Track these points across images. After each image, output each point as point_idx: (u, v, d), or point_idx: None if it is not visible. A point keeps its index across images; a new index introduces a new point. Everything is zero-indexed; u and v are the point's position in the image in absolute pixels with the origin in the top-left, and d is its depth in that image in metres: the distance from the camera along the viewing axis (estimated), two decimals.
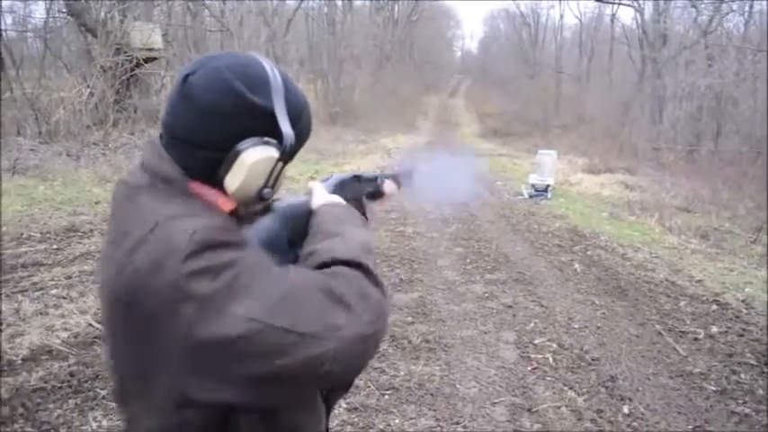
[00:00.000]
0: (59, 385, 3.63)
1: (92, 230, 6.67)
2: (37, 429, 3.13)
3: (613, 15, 37.96)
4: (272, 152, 0.98)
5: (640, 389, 3.88)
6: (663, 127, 24.74)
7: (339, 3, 30.98)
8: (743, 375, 4.16)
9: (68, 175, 9.04)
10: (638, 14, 30.13)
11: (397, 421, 3.31)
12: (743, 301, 5.77)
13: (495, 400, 3.61)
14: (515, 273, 6.23)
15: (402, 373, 3.87)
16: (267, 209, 1.09)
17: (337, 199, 1.19)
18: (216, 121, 0.95)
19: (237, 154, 0.96)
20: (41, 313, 4.58)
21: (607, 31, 39.22)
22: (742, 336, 4.89)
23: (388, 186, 1.43)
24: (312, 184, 1.23)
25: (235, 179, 0.96)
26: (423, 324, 4.69)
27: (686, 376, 4.10)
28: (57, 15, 16.02)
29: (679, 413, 3.61)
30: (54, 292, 5.00)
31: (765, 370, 4.27)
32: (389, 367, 3.93)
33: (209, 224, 0.90)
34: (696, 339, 4.77)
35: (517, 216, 9.55)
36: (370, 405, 3.45)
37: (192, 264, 0.85)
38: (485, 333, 4.62)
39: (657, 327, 4.98)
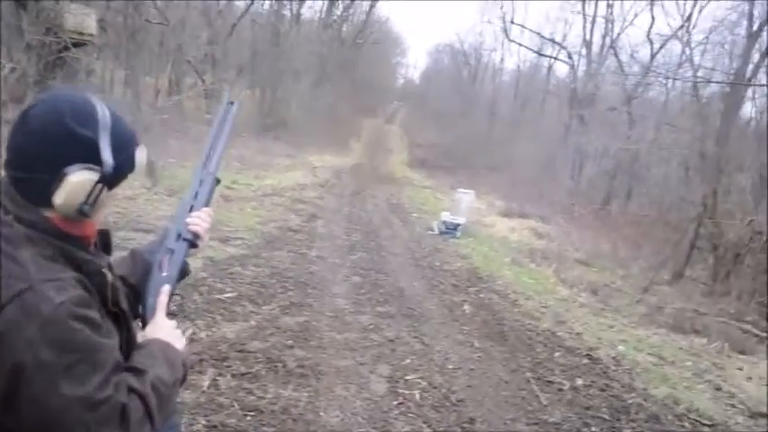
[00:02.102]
0: None
1: None
2: None
3: (550, 68, 39.60)
4: (93, 175, 1.14)
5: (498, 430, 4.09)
6: (580, 180, 25.96)
7: (287, 14, 31.02)
8: (593, 428, 4.45)
9: None
10: (571, 70, 31.65)
11: None
12: (613, 357, 6.14)
13: (356, 427, 3.75)
14: (405, 308, 6.43)
15: (270, 395, 3.95)
16: (106, 240, 1.31)
17: (171, 334, 1.39)
18: (48, 147, 1.12)
19: (64, 175, 1.11)
20: None
21: (543, 81, 40.81)
22: (603, 390, 5.21)
23: (197, 226, 1.52)
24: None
25: (59, 197, 1.12)
26: (301, 349, 4.80)
27: (542, 425, 4.35)
28: None
29: None
30: None
31: (615, 425, 4.57)
32: (258, 389, 4.00)
33: (74, 296, 1.07)
34: (560, 390, 5.05)
35: (423, 251, 9.82)
36: (230, 425, 3.52)
37: (48, 333, 1.02)
38: (360, 364, 4.76)
39: (528, 374, 5.25)
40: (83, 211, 1.14)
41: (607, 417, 4.68)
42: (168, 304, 1.41)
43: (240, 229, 8.61)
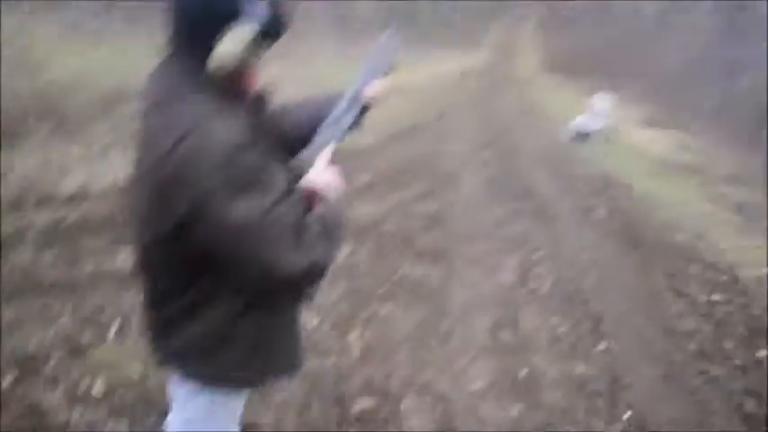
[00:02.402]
0: (95, 223, 4.02)
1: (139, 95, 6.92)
2: (71, 255, 3.53)
3: None
4: (249, 32, 1.19)
5: (623, 332, 4.06)
6: (734, 89, 23.78)
7: None
8: (727, 343, 4.29)
9: (125, 41, 9.24)
10: None
11: (388, 308, 3.61)
12: (756, 278, 5.80)
13: (483, 311, 3.86)
14: (537, 205, 6.36)
15: (403, 271, 4.13)
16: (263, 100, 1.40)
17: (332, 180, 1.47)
18: (206, 7, 1.19)
19: (223, 33, 1.19)
20: (87, 161, 4.95)
21: None
22: (742, 309, 4.96)
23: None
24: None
25: (218, 57, 1.20)
26: (434, 233, 4.93)
27: (671, 332, 4.25)
28: None
29: (653, 361, 3.79)
30: (100, 144, 5.34)
31: (752, 343, 4.37)
32: (393, 265, 4.20)
33: (237, 129, 1.18)
34: (695, 302, 4.87)
35: (556, 154, 9.56)
36: (366, 292, 3.77)
37: (220, 160, 1.14)
38: (491, 253, 4.83)
39: (661, 283, 5.10)
40: (239, 67, 1.22)
41: (743, 334, 4.48)
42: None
43: (376, 120, 8.69)
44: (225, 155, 1.14)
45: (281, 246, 1.18)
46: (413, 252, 4.47)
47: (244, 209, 1.14)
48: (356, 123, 1.57)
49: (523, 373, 3.30)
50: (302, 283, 1.29)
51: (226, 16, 1.18)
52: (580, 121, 11.62)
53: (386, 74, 1.62)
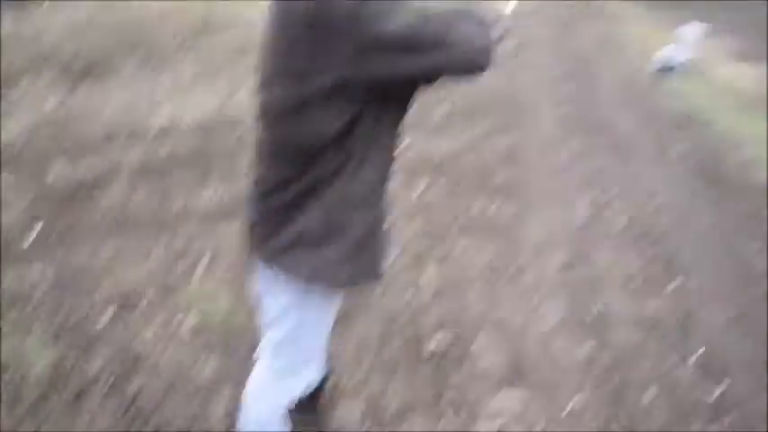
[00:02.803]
0: (185, 158, 4.23)
1: (227, 26, 7.09)
2: (161, 191, 3.75)
3: None
4: None
5: (696, 270, 4.07)
6: None
7: None
8: None
9: None
10: None
11: (463, 244, 3.74)
12: None
13: (556, 248, 3.95)
14: (615, 139, 6.27)
15: (478, 207, 4.24)
16: None
17: None
18: None
19: None
20: (175, 94, 5.15)
21: None
22: None
23: None
24: None
25: None
26: (509, 168, 4.98)
27: (746, 272, 4.22)
28: None
29: (727, 300, 3.81)
30: (187, 77, 5.53)
31: None
32: (468, 201, 4.31)
33: None
34: None
35: (636, 87, 9.27)
36: (442, 228, 3.89)
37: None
38: (565, 189, 4.87)
39: (739, 222, 5.02)
40: None
41: None
42: None
43: None
44: None
45: (451, 30, 1.28)
46: (487, 188, 4.54)
47: (414, 15, 1.25)
48: None
49: (595, 310, 3.40)
50: (487, 62, 1.36)
51: None
52: (666, 53, 11.08)
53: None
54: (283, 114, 1.38)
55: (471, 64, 1.33)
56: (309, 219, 1.43)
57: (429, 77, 1.36)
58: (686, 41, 11.48)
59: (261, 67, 1.45)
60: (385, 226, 1.62)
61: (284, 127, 1.40)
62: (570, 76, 8.90)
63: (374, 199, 1.51)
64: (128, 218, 3.57)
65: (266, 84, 1.43)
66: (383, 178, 1.53)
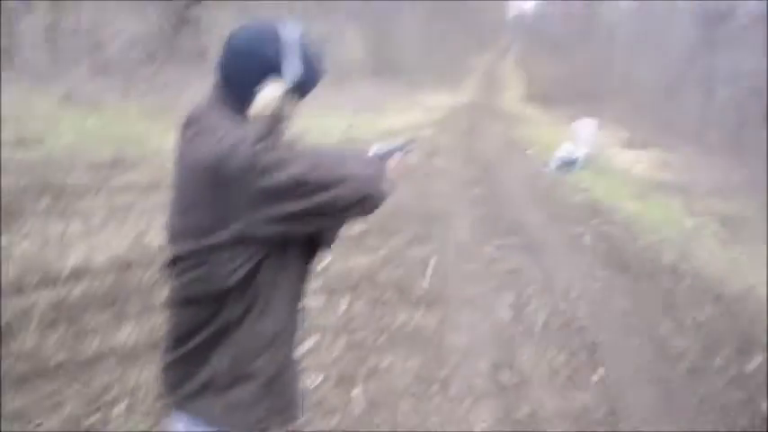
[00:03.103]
0: (98, 299, 4.11)
1: (137, 163, 7.14)
2: (75, 334, 3.61)
3: None
4: (281, 89, 1.43)
5: (618, 357, 4.20)
6: (712, 106, 24.26)
7: None
8: (718, 358, 4.44)
9: (119, 108, 9.52)
10: None
11: (388, 360, 3.73)
12: (744, 289, 5.98)
13: (481, 353, 4.00)
14: (526, 239, 6.55)
15: (400, 319, 4.28)
16: None
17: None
18: (244, 68, 1.43)
19: (258, 90, 1.42)
20: (86, 235, 5.07)
21: (669, 1, 37.89)
22: (731, 322, 5.13)
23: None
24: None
25: (256, 108, 1.43)
26: (428, 278, 5.08)
27: (665, 352, 4.40)
28: None
29: (648, 383, 3.93)
30: (99, 216, 5.47)
31: (743, 356, 4.51)
32: (390, 313, 4.34)
33: (259, 128, 1.39)
34: (685, 320, 5.03)
35: (541, 185, 9.79)
36: (367, 344, 3.88)
37: (257, 147, 1.32)
38: (485, 293, 4.99)
39: (651, 304, 5.27)
40: (273, 118, 1.44)
41: (734, 348, 4.63)
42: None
43: None
44: (256, 145, 1.32)
45: (342, 168, 1.40)
46: (409, 300, 4.61)
47: (302, 162, 1.34)
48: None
49: (524, 411, 3.42)
50: (375, 192, 1.44)
51: (265, 71, 1.41)
52: (564, 150, 11.87)
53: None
54: (190, 264, 1.43)
55: (362, 203, 1.43)
56: (219, 362, 1.45)
57: (323, 222, 1.45)
58: (581, 137, 12.39)
59: (168, 222, 1.52)
60: (297, 363, 1.64)
61: (191, 275, 1.44)
62: (479, 181, 9.35)
63: (284, 337, 1.54)
64: (41, 363, 3.39)
65: (174, 236, 1.49)
66: (292, 316, 1.57)
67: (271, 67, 1.41)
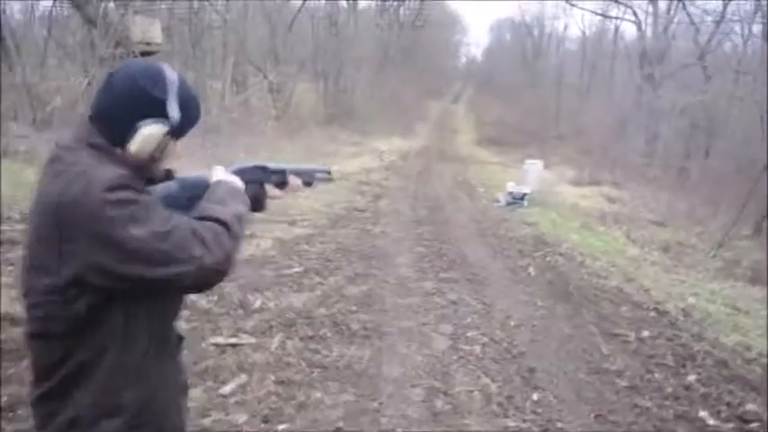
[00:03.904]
0: (17, 348, 3.93)
1: None
2: None
3: (616, 30, 38.24)
4: (163, 128, 1.41)
5: (555, 381, 4.19)
6: (656, 142, 25.09)
7: (343, 4, 31.32)
8: (657, 374, 4.47)
9: None
10: (639, 30, 30.47)
11: (318, 395, 3.65)
12: (683, 309, 6.08)
13: (415, 383, 3.95)
14: (469, 273, 6.57)
15: (334, 354, 4.21)
16: (170, 177, 1.57)
17: (233, 178, 1.62)
18: (126, 105, 1.40)
19: (139, 128, 1.39)
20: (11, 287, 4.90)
21: (609, 45, 39.50)
22: (670, 340, 5.20)
23: (293, 180, 1.82)
24: (215, 167, 1.67)
25: (134, 145, 1.40)
26: (365, 314, 5.03)
27: (603, 373, 4.41)
28: (62, 5, 16.42)
29: (586, 403, 3.92)
30: None
31: (681, 371, 4.57)
32: (324, 349, 4.27)
33: (122, 173, 1.33)
34: (625, 342, 5.08)
35: (489, 221, 9.89)
36: (297, 380, 3.79)
37: (109, 195, 1.27)
38: (423, 325, 4.96)
39: (591, 328, 5.30)
40: (152, 158, 1.42)
41: (672, 364, 4.69)
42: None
43: (306, 211, 8.94)
44: (107, 196, 1.26)
45: (181, 254, 1.30)
46: (343, 336, 4.55)
47: (153, 226, 1.28)
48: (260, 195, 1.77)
49: None
50: (216, 275, 1.38)
51: (148, 110, 1.39)
52: (512, 188, 12.11)
53: (306, 183, 1.86)
54: (39, 300, 1.40)
55: (201, 287, 1.42)
56: (82, 398, 1.41)
57: (158, 290, 1.39)
58: (528, 175, 12.66)
59: (23, 254, 1.48)
60: (177, 392, 1.60)
61: (39, 312, 1.41)
62: (426, 220, 9.40)
63: (152, 370, 1.49)
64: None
65: (26, 269, 1.45)
66: (160, 348, 1.52)
67: (154, 107, 1.40)
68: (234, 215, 1.45)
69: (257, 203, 1.77)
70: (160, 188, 1.49)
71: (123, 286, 1.32)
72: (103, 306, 1.36)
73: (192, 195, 1.54)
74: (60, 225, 1.30)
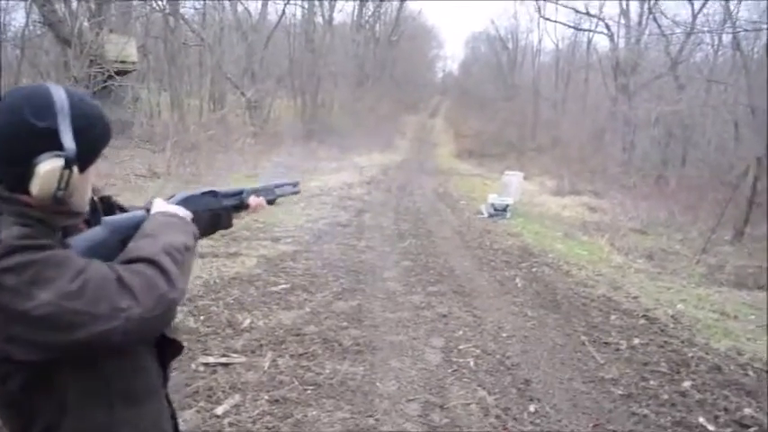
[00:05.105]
0: None
1: None
2: None
3: (589, 42, 38.76)
4: (60, 162, 1.20)
5: (551, 391, 4.14)
6: (633, 152, 25.40)
7: (319, 20, 31.44)
8: (652, 382, 4.45)
9: None
10: (612, 42, 30.94)
11: (314, 413, 3.55)
12: (672, 316, 6.09)
13: (411, 398, 3.87)
14: (456, 285, 6.52)
15: (327, 371, 4.12)
16: (97, 221, 1.38)
17: (173, 209, 1.45)
18: (13, 143, 1.20)
19: (34, 166, 1.19)
20: None
21: (583, 57, 40.01)
22: (662, 347, 5.19)
23: (254, 200, 1.75)
24: (154, 199, 1.51)
25: (35, 187, 1.20)
26: (356, 329, 4.95)
27: (598, 381, 4.38)
28: (35, 24, 16.23)
29: (583, 413, 3.88)
30: None
31: (675, 377, 4.56)
32: (316, 366, 4.18)
33: (16, 233, 1.15)
34: (617, 350, 5.06)
35: (472, 233, 9.87)
36: (291, 398, 3.69)
37: (3, 263, 1.11)
38: (414, 339, 4.88)
39: (583, 338, 5.27)
40: (58, 198, 1.22)
41: (666, 370, 4.67)
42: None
43: (290, 228, 8.85)
44: (5, 259, 1.11)
45: (101, 309, 1.13)
46: (334, 352, 4.46)
47: (47, 294, 1.11)
48: (231, 212, 1.70)
49: None
50: (150, 326, 1.21)
51: (40, 144, 1.19)
52: (493, 200, 12.14)
53: (270, 201, 1.80)
54: None
55: (136, 334, 1.20)
56: None
57: (91, 349, 1.21)
58: (509, 187, 12.71)
59: None
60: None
61: None
62: (409, 234, 9.35)
63: (124, 428, 1.35)
64: None
65: None
66: (130, 402, 1.36)
67: (45, 139, 1.20)
68: (168, 248, 1.28)
69: (218, 225, 1.68)
70: (83, 238, 1.30)
71: (53, 356, 1.16)
72: (42, 380, 1.22)
73: (126, 237, 1.35)
74: None
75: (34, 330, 1.12)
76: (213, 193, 1.64)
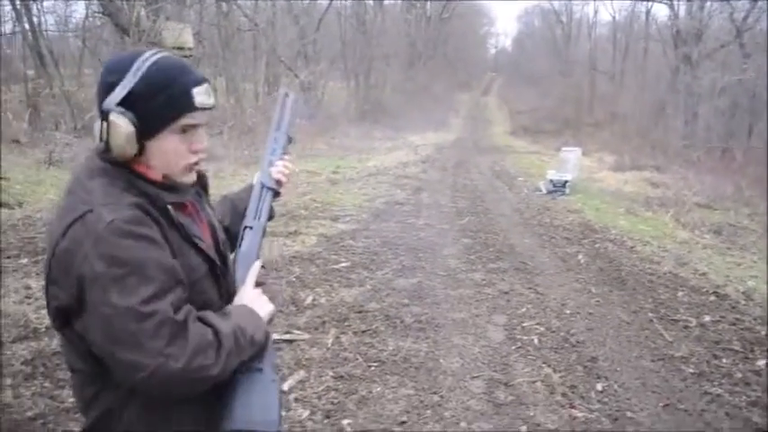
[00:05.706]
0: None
1: None
2: (54, 385, 3.46)
3: (648, 12, 37.42)
4: (125, 119, 1.24)
5: (618, 369, 4.05)
6: (695, 124, 24.51)
7: (370, 2, 31.27)
8: (724, 360, 4.30)
9: None
10: (672, 11, 29.76)
11: (378, 389, 3.58)
12: (743, 292, 5.86)
13: (475, 375, 3.85)
14: (518, 262, 6.43)
15: (390, 348, 4.13)
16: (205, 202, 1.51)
17: (258, 307, 1.43)
18: (98, 96, 1.28)
19: (105, 118, 1.25)
20: None
21: (641, 28, 38.70)
22: (734, 325, 5.00)
23: (277, 172, 1.71)
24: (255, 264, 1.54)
25: (106, 137, 1.26)
26: (417, 306, 4.95)
27: (667, 360, 4.26)
28: (94, 15, 16.68)
29: (652, 392, 3.77)
30: None
31: (749, 356, 4.39)
32: (379, 343, 4.20)
33: (126, 216, 1.19)
34: (686, 327, 4.91)
35: (531, 210, 9.72)
36: (356, 374, 3.73)
37: (100, 248, 1.16)
38: (476, 316, 4.85)
39: (650, 315, 5.13)
40: (123, 151, 1.26)
41: (739, 348, 4.50)
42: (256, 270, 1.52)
43: (348, 207, 8.89)
44: (105, 243, 1.15)
45: (148, 343, 1.14)
46: (396, 329, 4.47)
47: (115, 300, 1.14)
48: (271, 210, 1.68)
49: (523, 429, 3.27)
50: (178, 385, 1.19)
51: (109, 101, 1.24)
52: (552, 176, 11.91)
53: (285, 150, 1.75)
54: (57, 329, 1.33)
55: (159, 385, 1.18)
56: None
57: (112, 369, 1.22)
58: (567, 163, 12.43)
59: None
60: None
61: (62, 344, 1.35)
62: (467, 211, 9.27)
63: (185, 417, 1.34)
64: (17, 415, 3.24)
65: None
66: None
67: (106, 94, 1.26)
68: (237, 330, 1.29)
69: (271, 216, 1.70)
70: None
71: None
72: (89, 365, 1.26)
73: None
74: (55, 268, 1.21)
75: (84, 319, 1.19)
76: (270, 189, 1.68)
